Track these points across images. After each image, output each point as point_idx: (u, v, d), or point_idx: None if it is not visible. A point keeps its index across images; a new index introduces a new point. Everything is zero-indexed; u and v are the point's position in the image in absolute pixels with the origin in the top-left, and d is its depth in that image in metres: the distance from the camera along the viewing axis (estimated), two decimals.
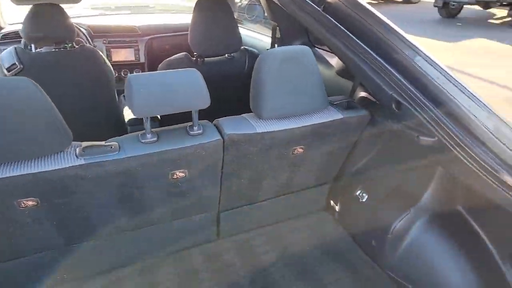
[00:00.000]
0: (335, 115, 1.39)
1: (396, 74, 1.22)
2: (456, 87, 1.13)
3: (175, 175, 1.26)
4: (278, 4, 1.65)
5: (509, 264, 1.15)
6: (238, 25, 3.11)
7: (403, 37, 1.26)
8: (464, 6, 8.81)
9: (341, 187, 1.72)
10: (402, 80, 1.21)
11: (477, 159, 1.03)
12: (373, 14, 1.32)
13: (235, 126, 1.29)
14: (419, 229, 1.34)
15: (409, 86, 1.19)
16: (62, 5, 1.73)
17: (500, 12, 8.81)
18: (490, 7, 8.33)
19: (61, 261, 1.37)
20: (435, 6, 8.73)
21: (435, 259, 1.30)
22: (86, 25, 2.71)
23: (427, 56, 1.20)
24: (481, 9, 8.83)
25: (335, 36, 1.37)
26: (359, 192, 1.60)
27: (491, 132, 1.04)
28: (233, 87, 1.94)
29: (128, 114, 2.15)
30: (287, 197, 1.67)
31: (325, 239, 1.65)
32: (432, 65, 1.18)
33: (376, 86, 1.30)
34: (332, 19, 1.38)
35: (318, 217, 1.78)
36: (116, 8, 3.31)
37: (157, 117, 2.10)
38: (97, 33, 2.72)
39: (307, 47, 1.37)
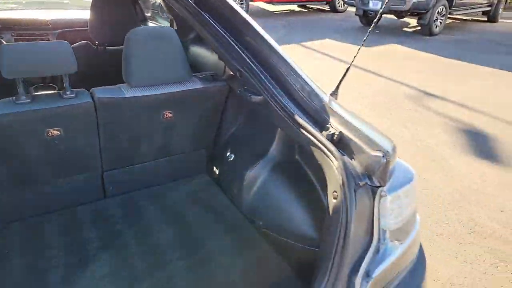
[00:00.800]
0: (197, 85, 1.68)
1: (239, 50, 1.52)
2: (278, 57, 1.44)
3: (49, 133, 1.46)
4: None
5: (326, 192, 1.46)
6: (152, 21, 3.33)
7: (248, 23, 1.56)
8: (382, 15, 9.68)
9: (218, 152, 2.00)
10: (242, 54, 1.51)
11: (283, 107, 1.34)
12: (230, 5, 1.62)
13: (107, 92, 1.53)
14: (265, 176, 1.64)
15: (246, 58, 1.49)
16: None
17: (413, 21, 9.76)
18: (402, 17, 9.24)
19: None
20: (356, 15, 9.52)
21: (278, 198, 1.59)
22: None
23: (262, 36, 1.51)
24: (396, 18, 9.76)
25: (201, 24, 1.66)
26: (228, 153, 1.89)
27: (297, 89, 1.36)
28: None
29: None
30: (168, 160, 1.91)
31: (203, 198, 1.91)
32: (264, 42, 1.48)
33: (227, 60, 1.60)
34: (199, 9, 1.66)
35: (199, 179, 2.04)
36: (27, 3, 3.39)
37: None
38: (5, 26, 2.80)
39: (171, 28, 1.65)
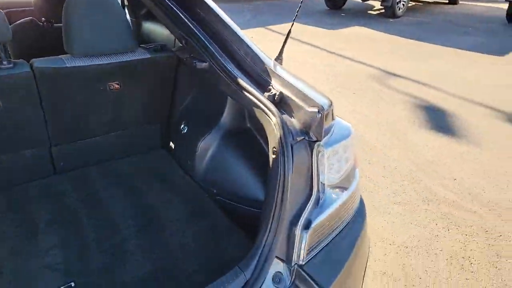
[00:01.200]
0: (144, 55, 1.65)
1: (184, 19, 1.50)
2: (223, 25, 1.43)
3: None
4: None
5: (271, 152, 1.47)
6: None
7: None
8: None
9: (172, 125, 1.98)
10: (188, 22, 1.49)
11: (228, 72, 1.34)
12: None
13: (47, 62, 1.48)
14: (217, 145, 1.65)
15: (191, 26, 1.48)
16: None
17: (378, 4, 9.91)
18: None
19: None
20: None
21: (230, 165, 1.60)
22: None
23: (207, 5, 1.49)
24: (361, 1, 9.89)
25: None
26: (182, 126, 1.88)
27: (241, 54, 1.36)
28: None
29: None
30: (120, 134, 1.88)
31: (158, 171, 1.89)
32: (210, 11, 1.47)
33: (173, 29, 1.57)
34: None
35: (154, 153, 2.02)
36: None
37: None
38: None
39: None
